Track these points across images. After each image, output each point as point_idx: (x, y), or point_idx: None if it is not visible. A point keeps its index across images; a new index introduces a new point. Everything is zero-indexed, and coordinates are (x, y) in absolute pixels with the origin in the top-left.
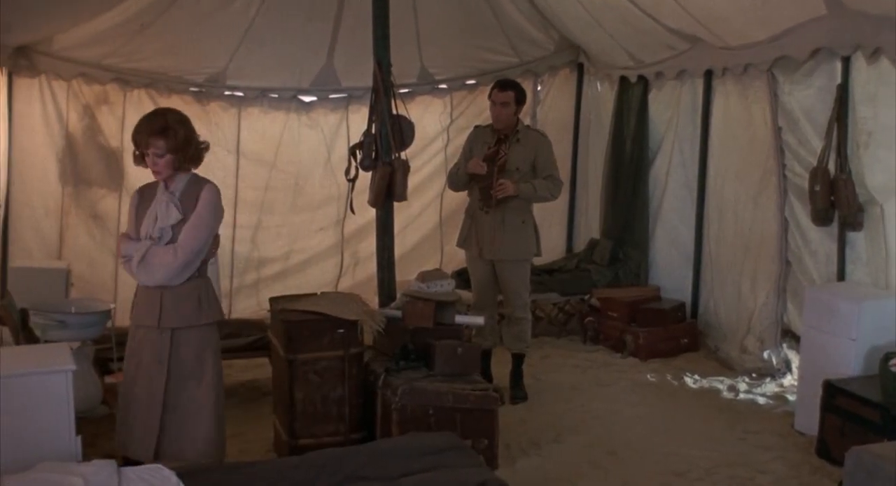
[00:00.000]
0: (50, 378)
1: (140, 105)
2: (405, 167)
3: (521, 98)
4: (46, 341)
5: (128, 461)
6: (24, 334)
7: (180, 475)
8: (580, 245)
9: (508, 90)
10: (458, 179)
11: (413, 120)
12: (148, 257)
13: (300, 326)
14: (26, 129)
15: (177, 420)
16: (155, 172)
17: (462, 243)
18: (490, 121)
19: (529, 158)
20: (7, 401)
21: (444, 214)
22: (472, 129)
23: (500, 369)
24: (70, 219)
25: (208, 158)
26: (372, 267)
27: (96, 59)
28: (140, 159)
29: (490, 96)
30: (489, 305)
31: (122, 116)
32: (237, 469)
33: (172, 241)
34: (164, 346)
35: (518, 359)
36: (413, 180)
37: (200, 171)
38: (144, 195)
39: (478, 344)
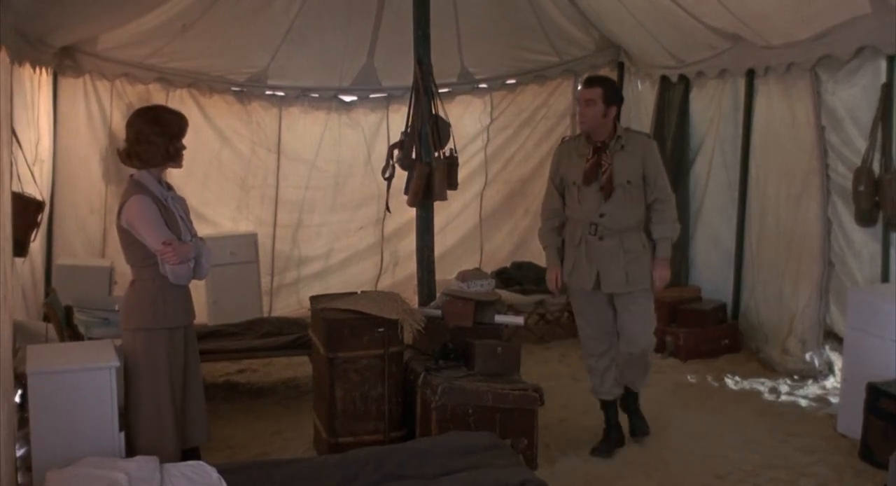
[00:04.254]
0: (94, 375)
1: (182, 105)
2: (444, 165)
3: (611, 96)
4: (90, 338)
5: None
6: (69, 330)
7: (221, 472)
8: None
9: (595, 86)
10: (544, 235)
11: (453, 120)
12: (203, 253)
13: (341, 324)
14: (71, 128)
15: None
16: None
17: (568, 276)
18: (575, 131)
19: (638, 167)
20: (52, 397)
21: (484, 214)
22: (558, 143)
23: (539, 368)
24: (113, 217)
25: (250, 157)
26: (412, 266)
27: (139, 59)
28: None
29: (577, 96)
30: (608, 349)
31: None
32: (277, 467)
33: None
34: (195, 337)
35: (635, 395)
36: None
37: (238, 170)
38: (152, 200)
39: (518, 346)
